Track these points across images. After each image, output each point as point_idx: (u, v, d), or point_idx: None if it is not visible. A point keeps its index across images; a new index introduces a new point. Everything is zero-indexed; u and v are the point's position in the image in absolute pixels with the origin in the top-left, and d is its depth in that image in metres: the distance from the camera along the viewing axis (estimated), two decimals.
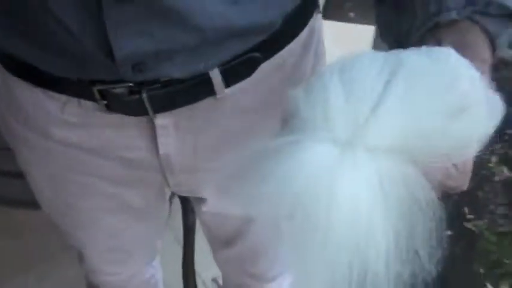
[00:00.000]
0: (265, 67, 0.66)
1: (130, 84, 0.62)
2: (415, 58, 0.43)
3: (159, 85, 0.62)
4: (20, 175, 0.83)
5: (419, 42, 0.46)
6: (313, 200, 0.39)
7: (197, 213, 0.93)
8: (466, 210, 2.09)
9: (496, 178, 2.15)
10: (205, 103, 0.66)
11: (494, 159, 2.22)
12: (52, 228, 0.88)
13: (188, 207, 1.05)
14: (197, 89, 0.64)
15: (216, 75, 0.63)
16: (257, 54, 0.64)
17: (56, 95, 0.67)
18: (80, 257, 0.95)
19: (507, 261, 1.01)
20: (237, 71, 0.64)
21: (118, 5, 0.52)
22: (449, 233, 2.11)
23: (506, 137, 2.31)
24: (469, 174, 0.45)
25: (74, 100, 0.67)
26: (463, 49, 0.45)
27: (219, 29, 0.57)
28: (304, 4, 0.67)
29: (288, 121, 0.43)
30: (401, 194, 0.40)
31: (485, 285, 0.91)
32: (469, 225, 2.07)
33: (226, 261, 0.99)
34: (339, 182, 0.39)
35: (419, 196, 0.40)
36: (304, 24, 0.71)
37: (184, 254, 1.19)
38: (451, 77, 0.42)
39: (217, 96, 0.65)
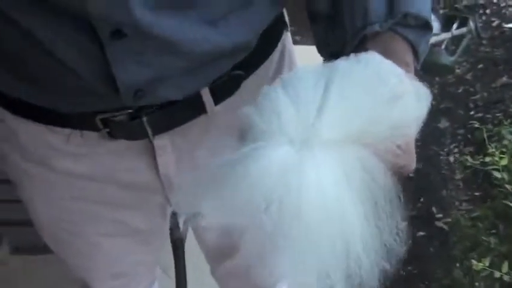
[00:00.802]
0: (248, 84, 0.72)
1: (130, 110, 0.67)
2: (346, 63, 0.50)
3: (157, 108, 0.68)
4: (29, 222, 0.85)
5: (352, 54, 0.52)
6: (284, 193, 0.44)
7: (196, 232, 0.96)
8: (434, 210, 2.19)
9: (457, 176, 2.28)
10: (199, 121, 0.71)
11: (452, 159, 2.35)
12: (45, 272, 0.88)
13: (176, 231, 1.08)
14: (191, 108, 0.70)
15: (206, 94, 0.69)
16: (240, 72, 0.70)
17: (59, 129, 0.70)
18: None
19: (485, 239, 1.10)
20: (223, 88, 0.70)
21: (116, 41, 0.57)
22: (422, 233, 2.19)
23: (459, 137, 2.45)
24: (413, 154, 0.52)
25: (77, 132, 0.70)
26: (388, 55, 0.52)
27: (206, 52, 0.63)
28: (275, 24, 0.72)
29: (244, 136, 0.48)
30: (360, 174, 0.46)
31: (469, 262, 0.99)
32: (439, 224, 2.17)
33: (228, 275, 1.00)
34: (303, 173, 0.44)
35: (377, 175, 0.46)
36: (277, 41, 0.77)
37: (177, 280, 1.22)
38: (379, 73, 0.50)
39: (209, 113, 0.70)
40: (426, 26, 0.59)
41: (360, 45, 0.58)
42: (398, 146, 0.49)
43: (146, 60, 0.60)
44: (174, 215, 1.00)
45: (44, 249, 0.91)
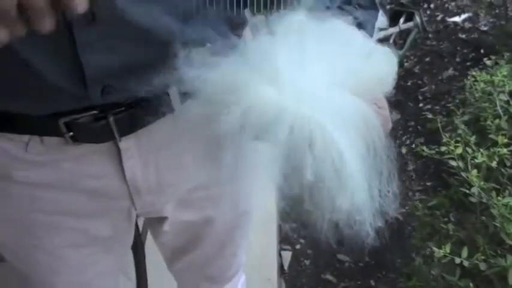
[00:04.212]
0: None
1: (95, 111, 0.64)
2: (312, 24, 0.51)
3: (123, 108, 0.65)
4: None
5: None
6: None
7: (155, 235, 0.93)
8: None
9: (410, 167, 2.33)
10: (165, 121, 0.68)
11: (404, 150, 2.40)
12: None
13: (136, 235, 1.06)
14: (158, 107, 0.66)
15: (173, 92, 0.67)
16: None
17: (17, 136, 0.66)
18: None
19: (444, 226, 1.13)
20: None
21: (87, 25, 0.54)
22: (378, 224, 2.24)
23: (410, 129, 2.51)
24: (388, 111, 0.55)
25: (37, 138, 0.66)
26: None
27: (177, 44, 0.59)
28: None
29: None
30: (355, 118, 0.48)
31: (430, 249, 1.02)
32: (394, 214, 2.21)
33: (184, 268, 0.99)
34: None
35: (370, 117, 0.49)
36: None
37: (138, 282, 1.20)
38: (345, 33, 0.52)
39: (175, 112, 0.68)
40: (373, 8, 0.63)
41: None
42: (376, 103, 0.52)
43: (116, 47, 0.58)
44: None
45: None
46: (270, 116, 0.47)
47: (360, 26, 0.60)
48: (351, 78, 0.49)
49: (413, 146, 2.38)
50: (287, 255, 2.01)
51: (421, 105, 2.60)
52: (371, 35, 0.63)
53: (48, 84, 0.59)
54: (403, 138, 2.46)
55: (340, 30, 0.52)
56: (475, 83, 1.40)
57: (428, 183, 2.25)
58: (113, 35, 0.57)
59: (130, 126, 0.67)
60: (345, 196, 0.47)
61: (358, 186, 0.48)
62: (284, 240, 2.04)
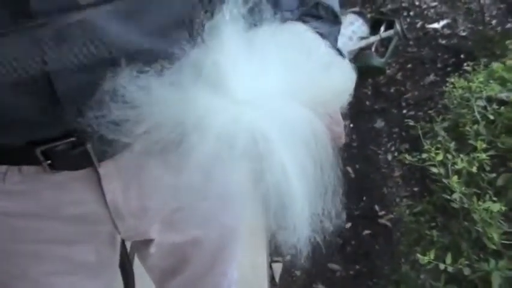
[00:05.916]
0: None
1: (72, 138, 0.64)
2: (270, 30, 0.51)
3: (101, 135, 0.63)
4: None
5: None
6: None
7: (143, 258, 0.93)
8: (377, 208, 2.25)
9: (396, 173, 2.35)
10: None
11: (389, 157, 2.42)
12: None
13: (124, 256, 1.06)
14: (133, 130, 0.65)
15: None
16: None
17: None
18: None
19: (428, 233, 1.14)
20: None
21: (58, 45, 0.54)
22: (367, 232, 2.24)
23: (394, 135, 2.54)
24: (342, 125, 0.55)
25: (14, 168, 0.66)
26: None
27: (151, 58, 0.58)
28: None
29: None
30: (303, 132, 0.48)
31: (414, 257, 1.03)
32: (382, 221, 2.23)
33: None
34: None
35: (320, 133, 0.48)
36: None
37: None
38: (306, 41, 0.52)
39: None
40: (336, 21, 0.63)
41: None
42: (330, 116, 0.52)
43: (84, 62, 0.57)
44: (122, 242, 0.98)
45: None
46: (221, 126, 0.47)
47: (322, 37, 0.61)
48: (307, 90, 0.49)
49: (397, 153, 2.40)
50: (278, 267, 2.01)
51: (404, 111, 2.63)
52: (334, 48, 0.63)
53: (22, 111, 0.58)
54: (388, 145, 2.48)
55: (304, 37, 0.52)
56: (454, 89, 1.42)
57: (415, 189, 2.27)
58: (88, 53, 0.56)
59: (108, 151, 0.66)
60: (285, 211, 0.47)
61: (299, 203, 0.47)
62: (274, 251, 2.04)
